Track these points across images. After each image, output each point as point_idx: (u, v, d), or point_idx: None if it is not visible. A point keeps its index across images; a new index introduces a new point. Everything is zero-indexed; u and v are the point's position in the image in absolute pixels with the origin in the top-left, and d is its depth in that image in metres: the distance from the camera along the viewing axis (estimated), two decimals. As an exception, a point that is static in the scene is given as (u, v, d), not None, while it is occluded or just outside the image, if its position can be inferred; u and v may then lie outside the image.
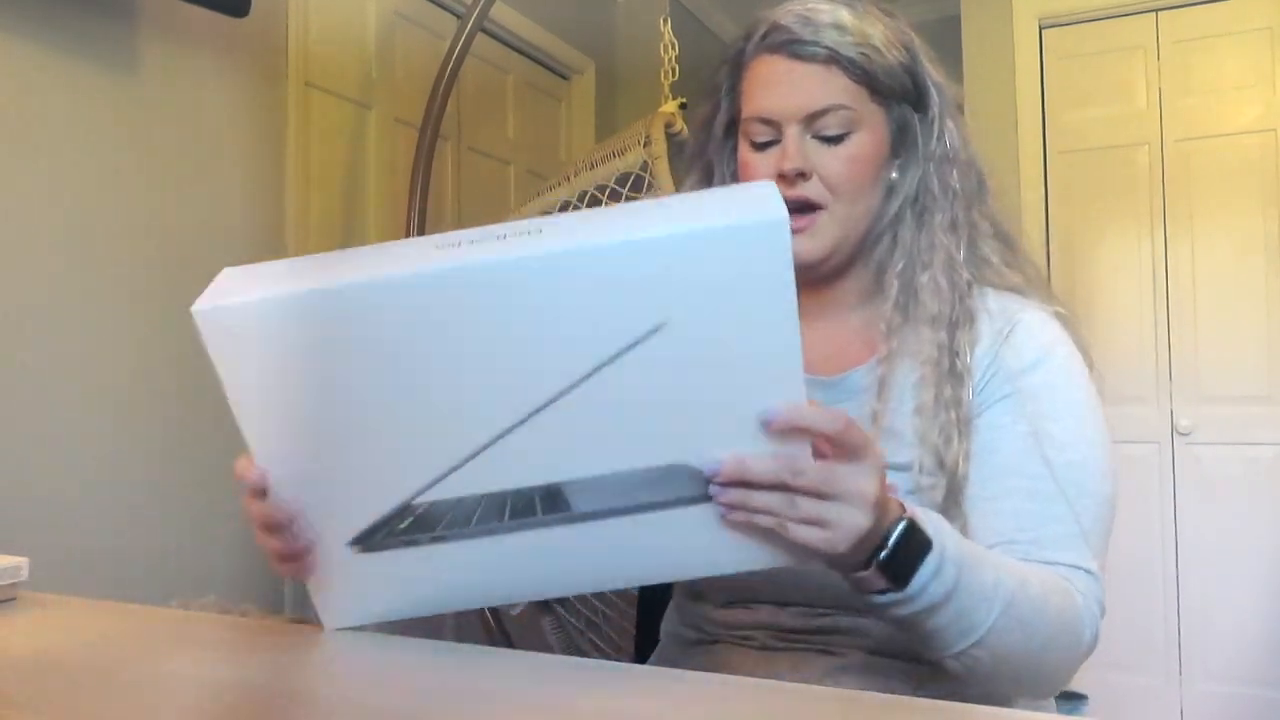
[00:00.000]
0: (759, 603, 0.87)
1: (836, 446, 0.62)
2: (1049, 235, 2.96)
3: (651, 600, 1.23)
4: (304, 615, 1.95)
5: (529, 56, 2.82)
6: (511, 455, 0.62)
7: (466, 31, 2.03)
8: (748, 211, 0.58)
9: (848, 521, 0.61)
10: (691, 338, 0.59)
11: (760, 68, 0.87)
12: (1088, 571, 0.78)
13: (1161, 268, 2.87)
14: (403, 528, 0.66)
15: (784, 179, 0.84)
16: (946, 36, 0.87)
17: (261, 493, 0.65)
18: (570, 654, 0.65)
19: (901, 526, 0.65)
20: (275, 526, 0.66)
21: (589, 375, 0.60)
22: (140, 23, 1.64)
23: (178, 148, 1.70)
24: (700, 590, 0.92)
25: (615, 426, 0.62)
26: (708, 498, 0.63)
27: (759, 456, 0.61)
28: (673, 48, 2.18)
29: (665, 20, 2.20)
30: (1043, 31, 3.01)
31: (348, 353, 0.61)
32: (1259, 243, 2.76)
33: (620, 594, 1.88)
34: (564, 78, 3.00)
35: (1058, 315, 0.87)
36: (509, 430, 0.62)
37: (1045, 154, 2.99)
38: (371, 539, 0.66)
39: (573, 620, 1.93)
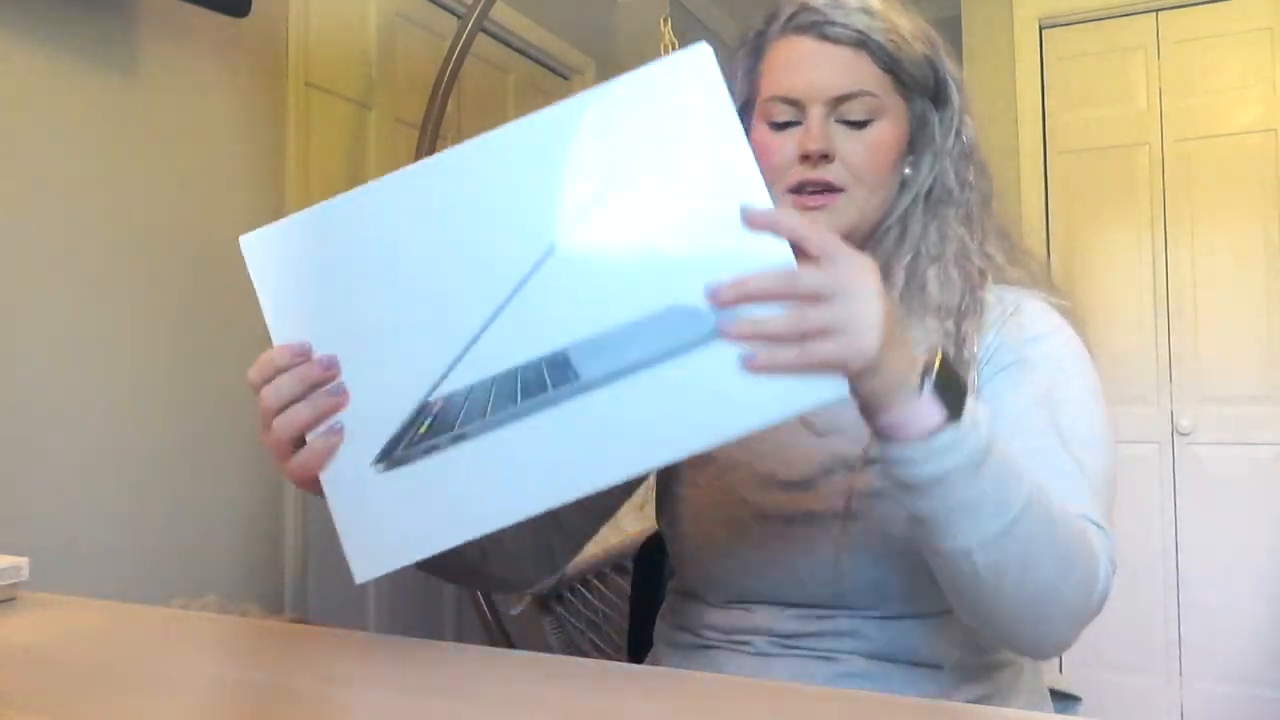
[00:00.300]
0: (755, 603, 0.86)
1: (820, 255, 0.60)
2: (1049, 235, 2.96)
3: (644, 601, 1.22)
4: (304, 615, 1.95)
5: (529, 56, 2.82)
6: (510, 331, 0.64)
7: (467, 32, 2.03)
8: (673, 55, 0.63)
9: (860, 317, 0.59)
10: (649, 178, 0.62)
11: (785, 48, 0.86)
12: (1098, 525, 0.75)
13: (1162, 268, 2.87)
14: (422, 432, 0.66)
15: (806, 160, 0.83)
16: (946, 36, 0.88)
17: (300, 355, 0.67)
18: (570, 654, 0.65)
19: (939, 352, 0.63)
20: (318, 383, 0.66)
21: (563, 235, 0.63)
22: (140, 23, 1.64)
23: (178, 148, 1.70)
24: (696, 589, 0.91)
25: (602, 281, 0.63)
26: (715, 336, 0.61)
27: (755, 273, 0.60)
28: (673, 48, 2.19)
29: (665, 20, 2.20)
30: (1043, 32, 3.01)
31: (352, 264, 0.68)
32: (1259, 243, 2.76)
33: (620, 594, 1.88)
34: (564, 78, 3.00)
35: (1061, 308, 0.87)
36: (502, 307, 0.64)
37: (1045, 154, 2.99)
38: (394, 451, 0.67)
39: (573, 620, 1.93)
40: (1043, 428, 0.78)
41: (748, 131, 0.91)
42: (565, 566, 0.95)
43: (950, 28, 3.02)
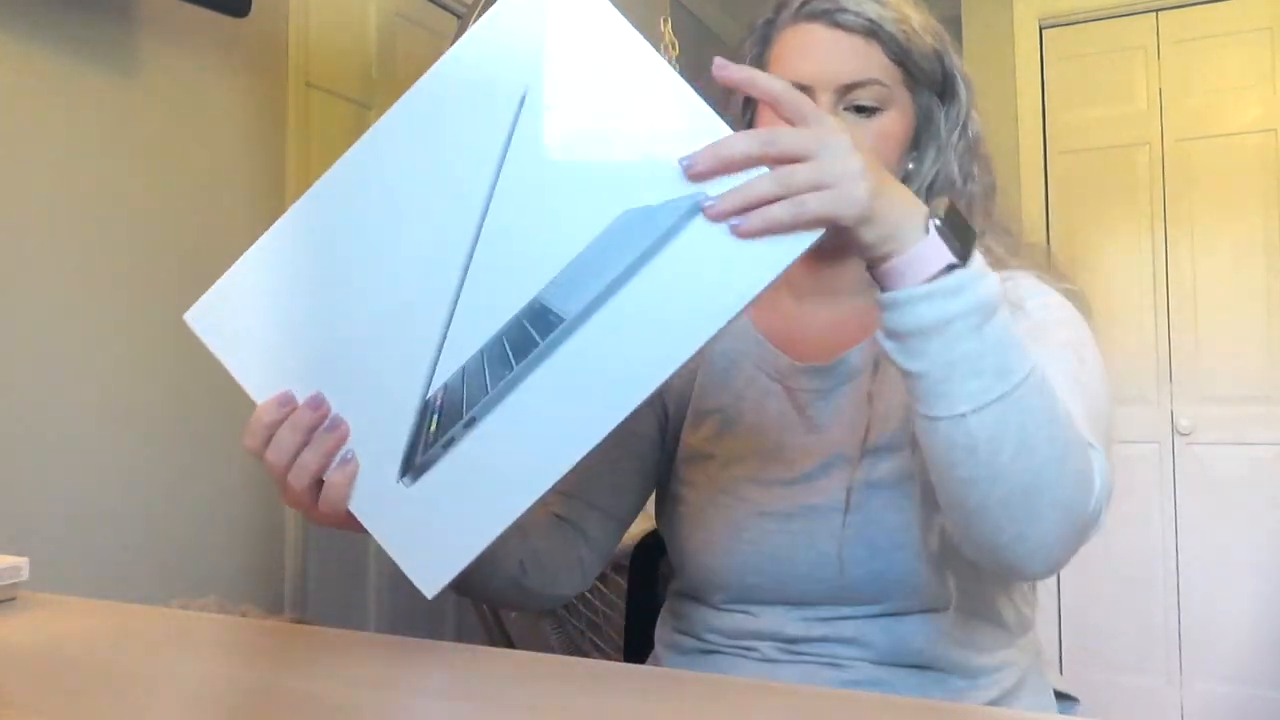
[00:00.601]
0: (757, 603, 0.86)
1: (794, 115, 0.60)
2: (1049, 235, 2.96)
3: (640, 604, 1.22)
4: (304, 615, 1.95)
5: (529, 56, 2.82)
6: (480, 300, 0.64)
7: (467, 32, 2.03)
8: None
9: (846, 168, 0.58)
10: (555, 94, 0.62)
11: (796, 35, 0.86)
12: (1092, 446, 0.70)
13: (1162, 267, 2.87)
14: (434, 430, 0.65)
15: None
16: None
17: (286, 404, 0.66)
18: (570, 654, 0.65)
19: (947, 201, 0.62)
20: (313, 426, 0.65)
21: (494, 182, 0.63)
22: (140, 23, 1.64)
23: (178, 148, 1.70)
24: (697, 591, 0.91)
25: (546, 216, 0.62)
26: (686, 220, 0.60)
27: (731, 136, 0.59)
28: (673, 48, 2.19)
29: (665, 20, 2.20)
30: (1043, 31, 3.01)
31: (302, 292, 0.67)
32: (1259, 242, 2.76)
33: (621, 594, 1.87)
34: (564, 78, 3.00)
35: (1066, 292, 0.85)
36: (462, 279, 0.64)
37: (1045, 154, 2.99)
38: (414, 460, 0.65)
39: (573, 621, 1.93)
40: (1038, 350, 0.75)
41: (750, 123, 0.91)
42: (594, 578, 0.95)
43: (950, 28, 3.00)
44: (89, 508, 1.53)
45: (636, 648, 1.17)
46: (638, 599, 1.22)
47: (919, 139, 0.88)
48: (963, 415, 0.61)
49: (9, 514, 1.40)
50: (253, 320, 0.68)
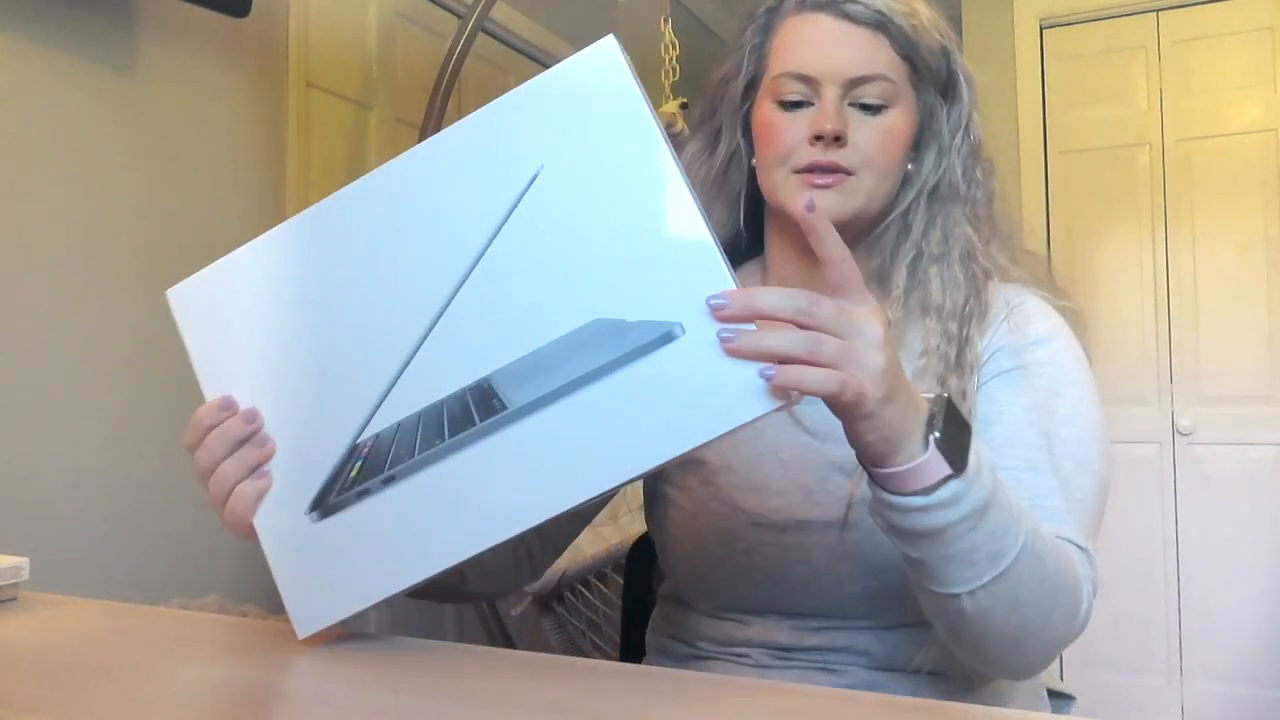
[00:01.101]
0: (748, 613, 0.84)
1: (836, 282, 0.59)
2: (1050, 235, 2.96)
3: (636, 604, 1.21)
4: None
5: (529, 56, 2.81)
6: (435, 361, 0.63)
7: (467, 32, 2.03)
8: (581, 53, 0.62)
9: (870, 362, 0.57)
10: (566, 184, 0.60)
11: (801, 25, 0.84)
12: (1081, 548, 0.73)
13: (1162, 268, 2.87)
14: (354, 476, 0.64)
15: (818, 141, 0.80)
16: (947, 36, 0.88)
17: (226, 409, 0.67)
18: (570, 654, 0.65)
19: (945, 399, 0.61)
20: (241, 439, 0.66)
21: (484, 251, 0.62)
22: (140, 23, 1.64)
23: (178, 148, 1.70)
24: (686, 596, 0.89)
25: (522, 298, 0.61)
26: (649, 351, 0.58)
27: (768, 290, 0.57)
28: (673, 48, 2.18)
29: (665, 20, 2.20)
30: (1043, 31, 3.01)
31: (277, 304, 0.67)
32: (1260, 242, 2.76)
33: (620, 594, 1.87)
34: (564, 78, 2.99)
35: (1063, 309, 0.85)
36: (424, 336, 0.63)
37: (1046, 154, 2.99)
38: (326, 499, 0.65)
39: (573, 620, 1.93)
40: (1035, 439, 0.77)
41: (748, 113, 0.88)
42: (548, 568, 0.94)
43: (950, 28, 3.02)
44: (89, 508, 1.53)
45: (632, 647, 1.17)
46: (634, 598, 1.22)
47: (920, 139, 0.86)
48: (956, 596, 0.65)
49: (9, 514, 1.40)
50: (226, 315, 0.68)
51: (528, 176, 0.61)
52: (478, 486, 0.62)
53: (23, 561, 0.82)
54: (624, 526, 2.32)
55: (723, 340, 0.57)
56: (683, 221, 0.58)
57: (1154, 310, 2.87)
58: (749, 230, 0.91)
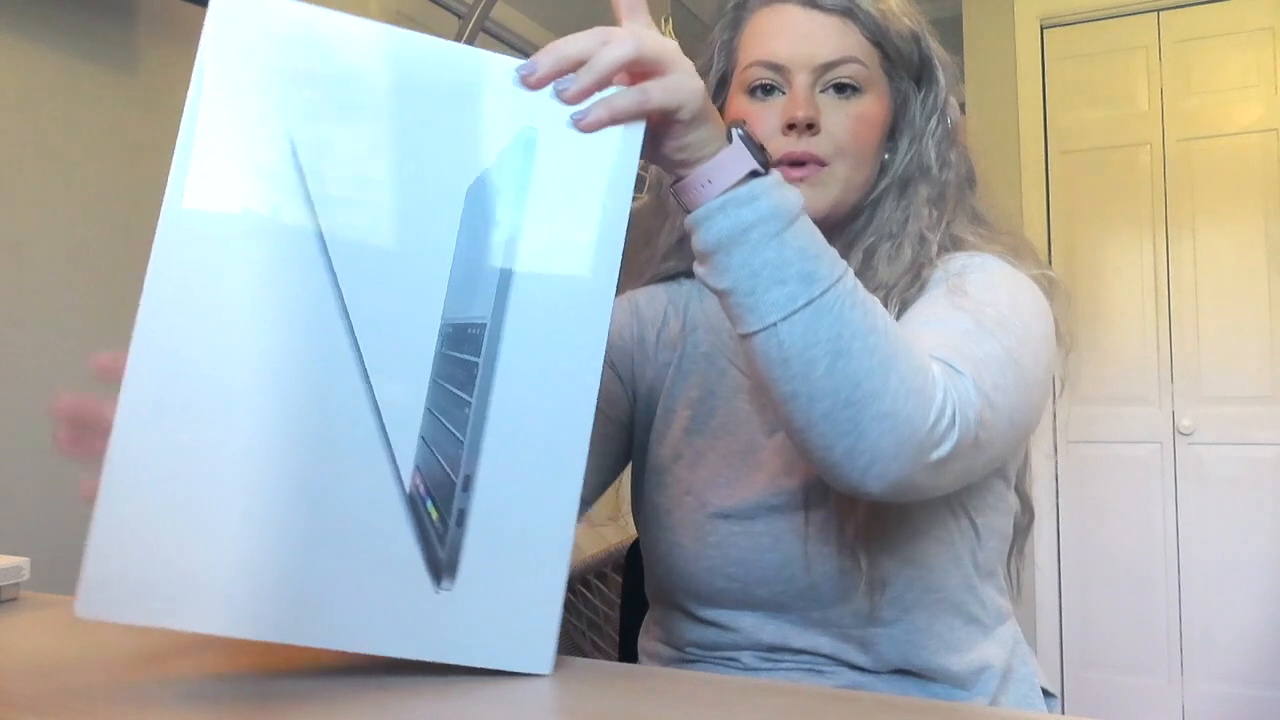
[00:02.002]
0: (731, 609, 0.84)
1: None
2: (1050, 235, 2.96)
3: (634, 603, 1.21)
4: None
5: (530, 57, 2.82)
6: (392, 366, 0.57)
7: (468, 32, 2.03)
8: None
9: (680, 63, 0.59)
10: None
11: (770, 16, 0.84)
12: (951, 366, 0.66)
13: (1163, 268, 2.87)
14: (437, 518, 0.58)
15: (791, 130, 0.80)
16: (947, 36, 0.87)
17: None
18: (570, 654, 0.65)
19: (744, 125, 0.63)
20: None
21: (329, 266, 0.57)
22: (140, 23, 1.64)
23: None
24: (671, 596, 0.89)
25: (404, 250, 0.57)
26: (529, 166, 0.58)
27: (565, 39, 0.59)
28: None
29: (666, 20, 2.20)
30: (1044, 31, 3.01)
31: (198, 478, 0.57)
32: (1260, 242, 2.76)
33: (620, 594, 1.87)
34: (565, 78, 3.00)
35: (1037, 279, 0.82)
36: (360, 357, 0.57)
37: (1047, 154, 2.99)
38: (438, 559, 0.58)
39: (573, 620, 1.93)
40: (938, 307, 0.74)
41: (720, 110, 0.87)
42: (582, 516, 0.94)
43: (951, 28, 3.02)
44: (89, 508, 1.53)
45: (632, 646, 1.17)
46: (633, 598, 1.22)
47: (895, 128, 0.86)
48: (774, 325, 0.60)
49: (9, 514, 1.40)
50: (163, 553, 0.56)
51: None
52: (532, 391, 0.58)
53: (23, 561, 0.82)
54: (624, 526, 2.32)
55: (559, 92, 0.59)
56: (447, 54, 0.60)
57: (1154, 310, 2.87)
58: None
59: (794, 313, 0.60)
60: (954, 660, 0.82)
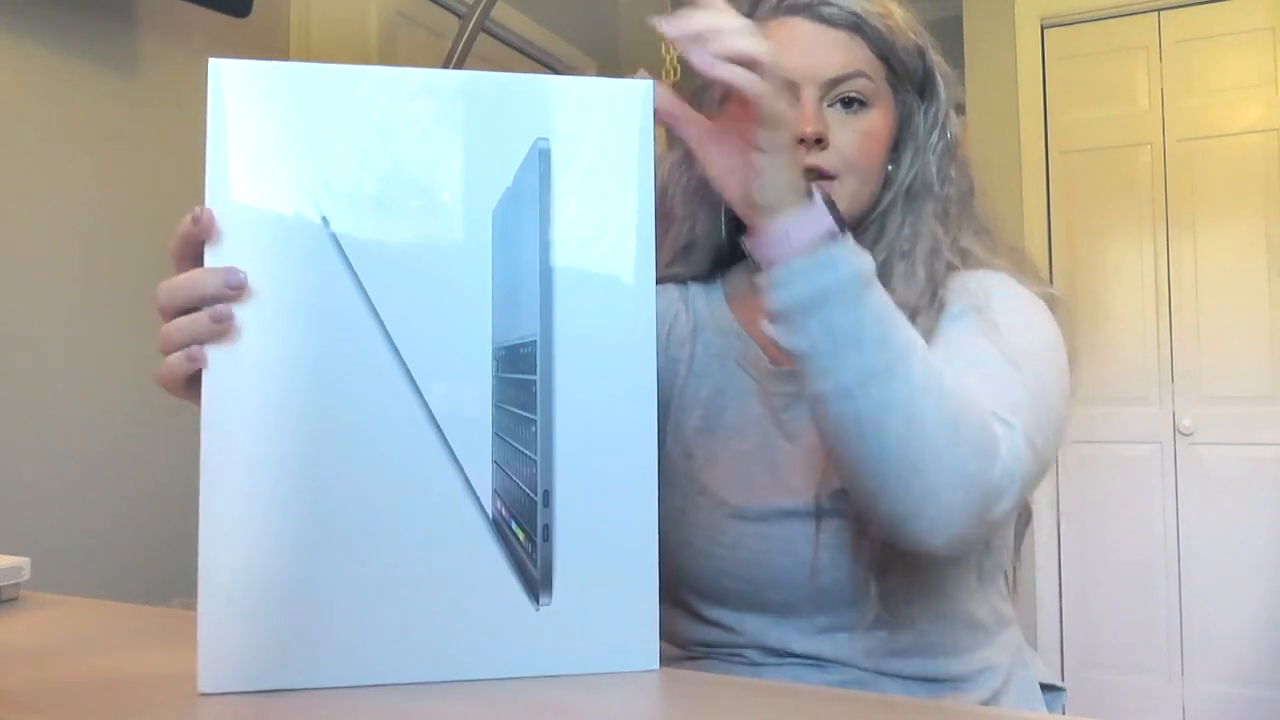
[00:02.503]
0: (736, 610, 0.85)
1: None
2: (1051, 235, 2.96)
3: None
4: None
5: (530, 56, 2.82)
6: (451, 397, 0.59)
7: (468, 32, 2.03)
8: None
9: (787, 114, 0.61)
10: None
11: (777, 30, 0.83)
12: (1004, 421, 0.67)
13: (1164, 268, 2.87)
14: (524, 539, 0.60)
15: (800, 146, 0.79)
16: (947, 36, 0.87)
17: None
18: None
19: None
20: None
21: (366, 296, 0.59)
22: (140, 23, 1.64)
23: (178, 148, 1.70)
24: (677, 593, 0.89)
25: (440, 277, 0.59)
26: (547, 180, 0.60)
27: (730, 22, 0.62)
28: (674, 47, 2.18)
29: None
30: (1045, 31, 3.01)
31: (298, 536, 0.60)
32: (1261, 242, 2.76)
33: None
34: (565, 78, 3.00)
35: (1043, 296, 0.83)
36: (418, 389, 0.59)
37: (1047, 154, 2.99)
38: (532, 578, 0.60)
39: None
40: (982, 345, 0.75)
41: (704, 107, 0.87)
42: None
43: (951, 28, 3.02)
44: (89, 508, 1.53)
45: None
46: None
47: (899, 140, 0.86)
48: (847, 389, 0.62)
49: (9, 514, 1.40)
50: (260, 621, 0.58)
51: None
52: (594, 392, 0.60)
53: (23, 561, 0.82)
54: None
55: (661, 23, 0.63)
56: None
57: (1155, 310, 2.87)
58: (732, 239, 0.92)
59: (869, 378, 0.61)
60: (957, 665, 0.83)
